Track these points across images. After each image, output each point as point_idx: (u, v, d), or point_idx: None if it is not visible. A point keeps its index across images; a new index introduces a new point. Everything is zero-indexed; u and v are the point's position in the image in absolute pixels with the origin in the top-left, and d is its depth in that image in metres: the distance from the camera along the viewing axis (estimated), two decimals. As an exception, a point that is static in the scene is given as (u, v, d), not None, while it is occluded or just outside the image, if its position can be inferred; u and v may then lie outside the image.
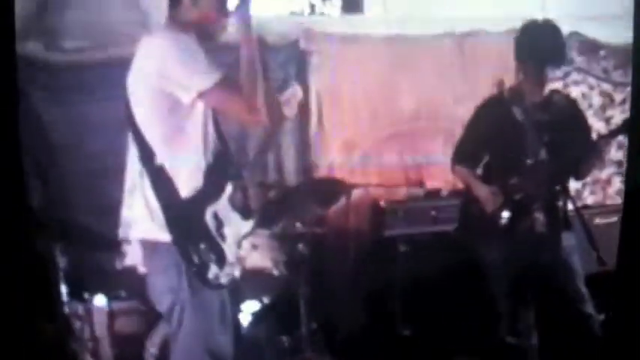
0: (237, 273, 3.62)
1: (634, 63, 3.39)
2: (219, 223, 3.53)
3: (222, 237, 3.54)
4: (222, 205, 3.57)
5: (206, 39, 3.52)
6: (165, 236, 3.42)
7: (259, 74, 3.48)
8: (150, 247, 3.50)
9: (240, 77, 3.44)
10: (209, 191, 3.54)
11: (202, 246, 3.47)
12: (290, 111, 3.92)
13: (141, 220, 3.47)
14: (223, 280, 3.52)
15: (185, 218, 3.46)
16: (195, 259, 3.44)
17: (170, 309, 3.50)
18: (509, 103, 4.43)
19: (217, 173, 3.58)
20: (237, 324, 4.68)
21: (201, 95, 3.37)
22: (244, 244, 4.74)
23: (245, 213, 3.69)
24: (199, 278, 3.44)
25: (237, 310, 4.82)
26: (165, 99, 3.36)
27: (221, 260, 3.52)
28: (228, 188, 3.61)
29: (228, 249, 3.56)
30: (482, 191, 4.54)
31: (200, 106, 3.43)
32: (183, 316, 3.48)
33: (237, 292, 4.57)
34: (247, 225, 3.72)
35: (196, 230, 3.47)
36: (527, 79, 4.48)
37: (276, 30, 5.76)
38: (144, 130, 3.42)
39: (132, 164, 3.50)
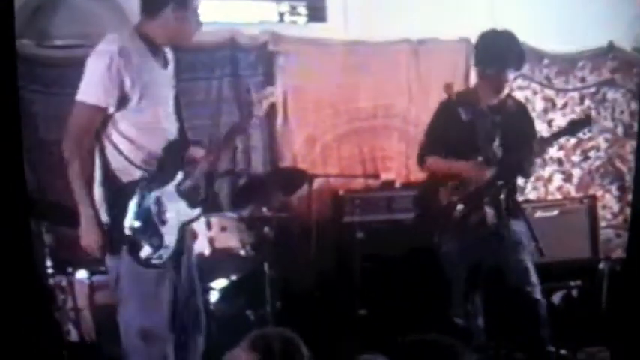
0: (167, 254, 3.65)
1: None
2: (161, 208, 3.64)
3: (163, 221, 3.63)
4: (167, 192, 3.68)
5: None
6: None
7: None
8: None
9: None
10: (156, 177, 3.65)
11: (137, 225, 3.56)
12: (259, 110, 3.99)
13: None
14: (156, 261, 3.60)
15: (125, 199, 3.59)
16: (129, 237, 3.55)
17: (115, 283, 3.67)
18: (456, 105, 4.55)
19: (169, 162, 3.70)
20: (206, 299, 4.83)
21: None
22: (214, 226, 5.11)
23: (192, 202, 3.80)
24: (132, 256, 3.56)
25: (207, 286, 5.01)
26: None
27: (156, 242, 3.60)
28: (178, 177, 3.74)
29: (167, 233, 3.64)
30: (465, 166, 4.60)
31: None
32: (122, 290, 3.65)
33: (207, 268, 4.84)
34: (192, 213, 3.82)
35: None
36: (484, 82, 4.64)
37: (247, 34, 6.10)
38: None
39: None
